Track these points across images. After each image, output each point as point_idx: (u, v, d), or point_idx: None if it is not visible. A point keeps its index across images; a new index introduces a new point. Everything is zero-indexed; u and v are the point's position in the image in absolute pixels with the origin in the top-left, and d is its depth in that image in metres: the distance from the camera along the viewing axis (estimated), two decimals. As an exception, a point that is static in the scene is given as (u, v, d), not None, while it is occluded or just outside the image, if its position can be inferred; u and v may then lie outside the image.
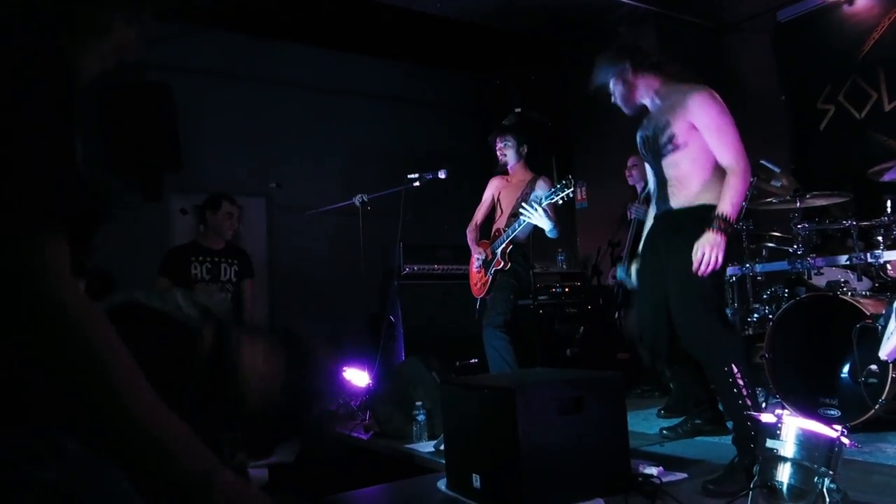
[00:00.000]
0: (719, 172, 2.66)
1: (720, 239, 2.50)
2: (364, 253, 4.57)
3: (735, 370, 2.47)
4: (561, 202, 3.75)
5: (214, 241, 4.34)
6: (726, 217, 2.52)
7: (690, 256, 2.58)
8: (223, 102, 6.16)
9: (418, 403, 3.47)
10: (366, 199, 4.55)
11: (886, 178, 3.40)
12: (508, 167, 4.30)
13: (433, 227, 6.03)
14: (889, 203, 3.50)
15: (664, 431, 3.42)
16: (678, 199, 2.74)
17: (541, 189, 4.04)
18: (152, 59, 5.03)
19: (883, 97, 5.02)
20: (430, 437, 3.39)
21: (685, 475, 2.58)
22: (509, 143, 4.27)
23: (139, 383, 0.77)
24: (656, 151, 2.79)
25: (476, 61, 7.14)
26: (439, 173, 4.42)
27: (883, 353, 2.13)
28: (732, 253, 2.67)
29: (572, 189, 3.69)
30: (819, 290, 3.61)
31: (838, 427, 1.81)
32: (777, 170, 3.98)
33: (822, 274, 3.74)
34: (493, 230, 4.23)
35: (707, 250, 2.49)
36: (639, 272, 3.08)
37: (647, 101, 2.88)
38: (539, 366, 4.90)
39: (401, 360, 4.67)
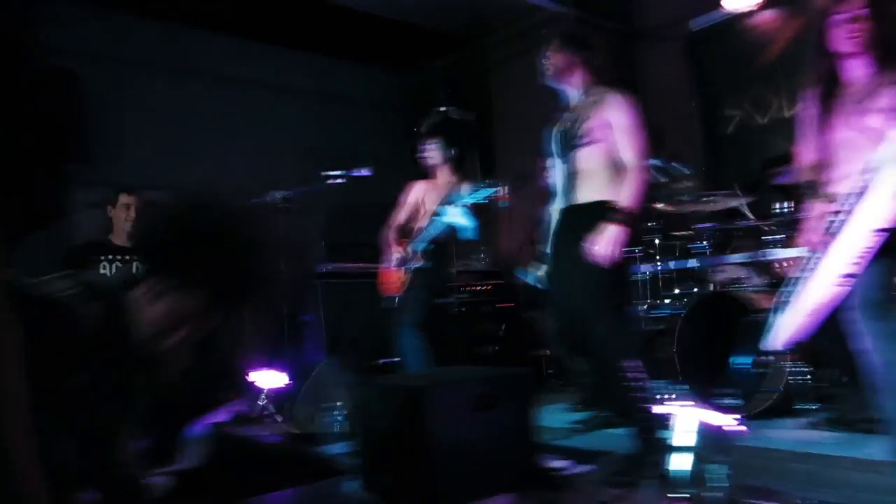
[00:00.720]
0: (621, 171, 2.79)
1: (616, 231, 2.60)
2: (281, 251, 4.48)
3: (630, 365, 2.57)
4: (483, 201, 3.78)
5: (124, 238, 4.17)
6: (624, 211, 2.63)
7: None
8: (139, 94, 5.91)
9: (336, 404, 3.44)
10: (283, 196, 4.46)
11: (780, 180, 3.61)
12: (434, 170, 4.31)
13: (355, 224, 5.98)
14: (783, 204, 3.73)
15: (575, 425, 3.51)
16: (585, 193, 2.84)
17: (462, 190, 4.07)
18: (60, 45, 4.77)
19: (783, 104, 5.33)
20: (348, 438, 3.36)
21: (593, 467, 2.67)
22: (436, 146, 4.27)
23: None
24: (570, 144, 2.87)
25: (400, 58, 7.13)
26: (361, 171, 4.38)
27: (769, 343, 2.26)
28: (640, 250, 2.78)
29: (493, 189, 3.72)
30: (721, 286, 3.79)
31: (731, 416, 1.91)
32: (687, 172, 4.15)
33: (723, 271, 3.93)
34: (415, 229, 4.23)
35: (604, 242, 2.59)
36: (549, 265, 3.14)
37: (573, 93, 2.96)
38: (459, 364, 4.95)
39: (319, 360, 4.61)
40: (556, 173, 3.05)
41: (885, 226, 1.80)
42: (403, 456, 2.33)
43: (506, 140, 6.84)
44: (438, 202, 4.12)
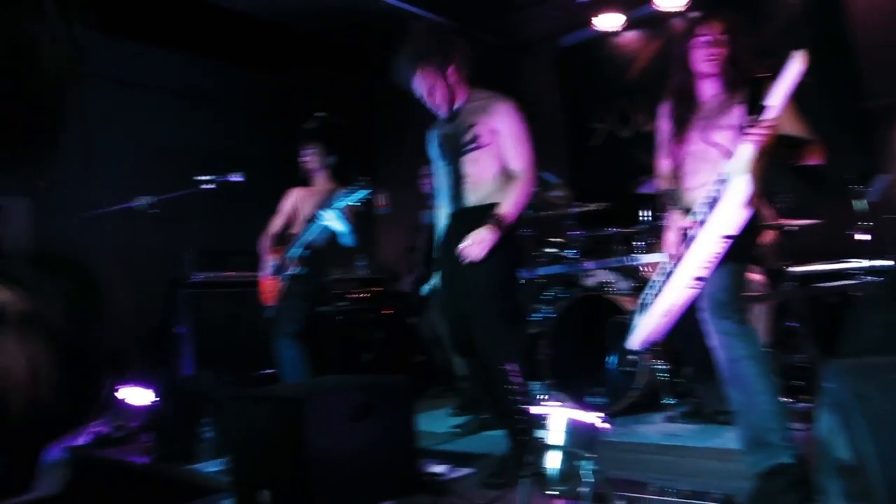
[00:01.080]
0: (507, 177, 2.83)
1: (490, 235, 2.65)
2: (149, 260, 4.24)
3: (513, 368, 2.63)
4: (358, 204, 3.73)
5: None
6: (503, 217, 2.69)
7: (492, 256, 2.72)
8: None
9: (206, 420, 3.28)
10: (150, 202, 4.21)
11: (642, 190, 3.85)
12: (313, 176, 4.22)
13: (228, 232, 5.76)
14: (644, 212, 3.98)
15: (454, 429, 3.55)
16: (474, 196, 2.84)
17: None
18: None
19: (643, 119, 5.69)
20: (220, 456, 3.22)
21: (472, 470, 2.72)
22: (315, 152, 4.18)
23: None
24: (457, 148, 2.89)
25: (278, 61, 6.95)
26: (233, 176, 4.22)
27: (632, 343, 2.39)
28: (520, 256, 2.84)
29: (369, 191, 3.67)
30: (590, 290, 3.98)
31: (598, 414, 2.01)
32: (556, 181, 4.32)
33: (593, 275, 4.13)
34: (290, 236, 4.13)
35: (474, 242, 2.63)
36: (439, 269, 3.13)
37: (458, 92, 2.95)
38: (337, 373, 4.88)
39: (190, 374, 4.40)
40: (440, 178, 3.07)
41: (732, 232, 1.96)
42: (279, 470, 2.27)
43: (386, 147, 6.85)
44: (315, 208, 4.05)
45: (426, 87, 2.88)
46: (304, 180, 4.28)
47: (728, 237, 1.96)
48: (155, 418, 3.76)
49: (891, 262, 3.56)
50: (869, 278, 3.57)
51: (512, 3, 6.50)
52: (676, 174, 2.45)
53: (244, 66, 6.96)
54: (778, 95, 1.93)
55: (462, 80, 2.92)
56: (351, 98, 6.98)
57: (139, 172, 5.62)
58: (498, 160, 2.83)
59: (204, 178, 4.26)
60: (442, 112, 2.92)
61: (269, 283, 4.08)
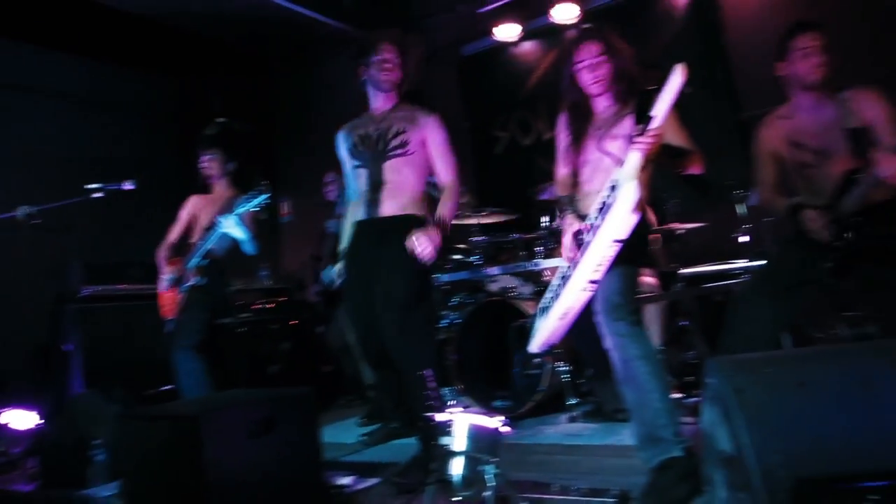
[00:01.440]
0: (422, 192, 2.92)
1: (436, 236, 2.68)
2: (31, 274, 3.97)
3: (429, 375, 2.64)
4: (258, 209, 3.62)
5: None
6: (444, 221, 2.72)
7: (400, 264, 2.72)
8: None
9: (97, 442, 3.10)
10: (31, 212, 3.95)
11: (543, 196, 3.96)
12: (211, 184, 4.09)
13: (121, 243, 5.48)
14: (544, 218, 4.09)
15: (362, 439, 3.52)
16: (390, 206, 2.85)
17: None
18: None
19: (543, 128, 5.86)
20: (112, 479, 3.05)
21: (379, 480, 2.70)
22: (215, 158, 4.05)
23: None
24: (380, 151, 2.87)
25: (175, 65, 6.69)
26: (124, 184, 4.02)
27: (533, 346, 2.45)
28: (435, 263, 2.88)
29: (269, 195, 3.57)
30: (493, 295, 4.05)
31: (499, 418, 2.04)
32: (461, 188, 4.36)
33: (496, 281, 4.21)
34: (188, 246, 3.97)
35: (424, 240, 2.65)
36: (345, 277, 3.10)
37: (379, 98, 2.99)
38: (242, 386, 4.73)
39: (79, 393, 4.15)
40: (353, 179, 3.04)
41: (622, 237, 2.05)
42: (176, 492, 2.17)
43: (288, 154, 6.72)
44: (214, 215, 3.91)
45: (390, 87, 2.96)
46: (203, 187, 4.14)
47: (619, 241, 2.04)
48: (41, 442, 3.52)
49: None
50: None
51: (414, 12, 6.55)
52: (574, 181, 2.54)
53: (140, 70, 6.65)
54: (661, 106, 2.04)
55: (403, 86, 3.00)
56: (252, 104, 6.82)
57: (26, 181, 5.25)
58: (421, 172, 2.87)
59: (93, 186, 4.04)
60: (383, 83, 2.95)
61: (168, 296, 3.92)
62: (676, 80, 2.01)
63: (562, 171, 2.65)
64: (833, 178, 2.46)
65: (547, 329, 2.33)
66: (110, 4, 5.46)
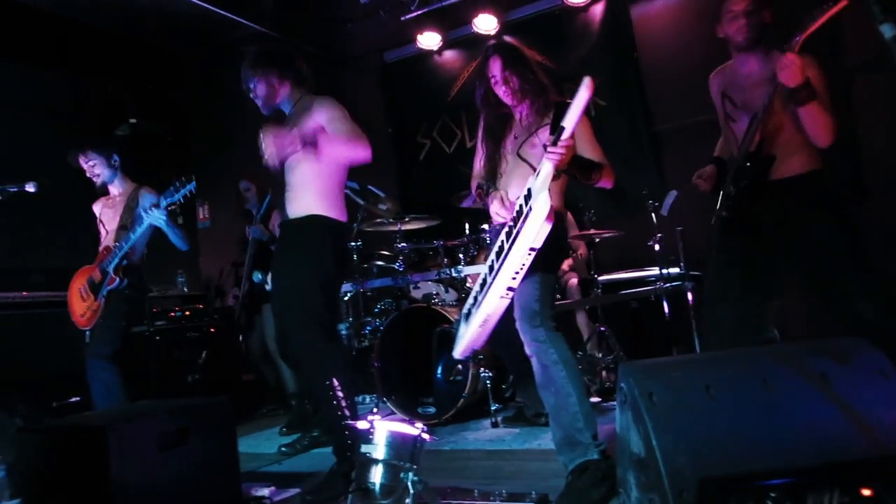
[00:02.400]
0: (338, 186, 2.80)
1: (286, 139, 2.53)
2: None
3: (335, 383, 2.59)
4: (183, 201, 3.46)
5: None
6: (309, 136, 2.56)
7: (297, 269, 2.66)
8: None
9: (-4, 458, 2.92)
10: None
11: (465, 204, 3.99)
12: (107, 185, 3.87)
13: (23, 248, 5.18)
14: (467, 225, 4.13)
15: (283, 449, 3.46)
16: (294, 207, 2.76)
17: (149, 197, 3.73)
18: None
19: (465, 135, 5.92)
20: (14, 496, 2.87)
21: (298, 489, 2.65)
22: (96, 161, 3.78)
23: None
24: (280, 176, 2.81)
25: (83, 64, 6.36)
26: (26, 186, 3.79)
27: (456, 353, 2.46)
28: (334, 270, 2.80)
29: (193, 184, 3.41)
30: (417, 302, 4.06)
31: (420, 425, 2.04)
32: (382, 195, 4.36)
33: (419, 287, 4.22)
34: (101, 249, 3.76)
35: (269, 140, 2.51)
36: (272, 281, 2.99)
37: (285, 107, 2.90)
38: (156, 396, 4.55)
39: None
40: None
41: (538, 245, 2.09)
42: (82, 509, 2.06)
43: (205, 158, 6.52)
44: (120, 216, 3.72)
45: (259, 92, 2.87)
46: (102, 192, 3.92)
47: (534, 249, 2.08)
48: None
49: (677, 269, 3.98)
50: (664, 284, 3.97)
51: (336, 16, 6.50)
52: (492, 190, 2.56)
53: (47, 68, 6.30)
54: (571, 118, 2.09)
55: (293, 88, 2.88)
56: (167, 106, 6.58)
57: None
58: (321, 165, 2.72)
59: (-9, 187, 3.80)
60: (264, 110, 2.91)
61: (82, 305, 3.69)
62: (584, 92, 2.07)
63: (478, 165, 2.68)
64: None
65: (469, 335, 2.35)
66: (14, -1, 5.17)
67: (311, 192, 2.75)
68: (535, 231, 2.04)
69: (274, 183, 2.92)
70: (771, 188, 2.47)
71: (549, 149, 2.10)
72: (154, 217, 3.43)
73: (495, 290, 2.16)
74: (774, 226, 2.47)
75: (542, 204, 2.02)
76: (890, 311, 2.29)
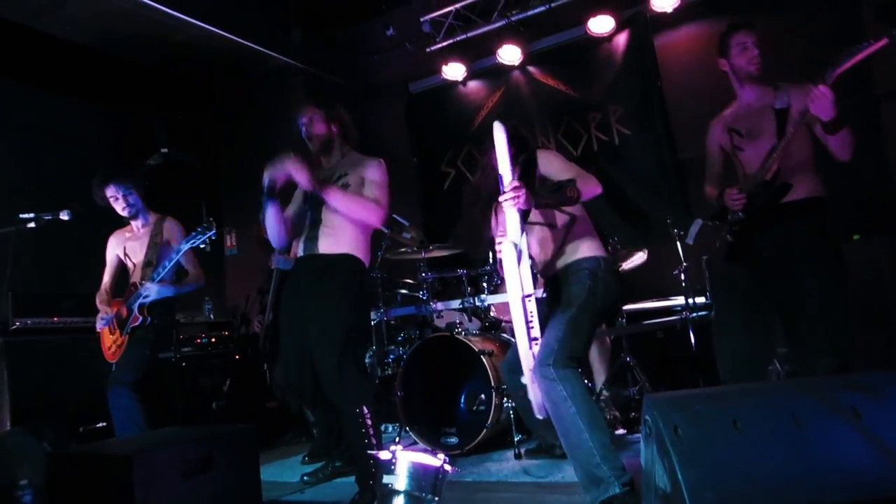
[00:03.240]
0: (366, 232, 2.96)
1: (301, 167, 2.82)
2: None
3: (365, 412, 2.62)
4: (203, 246, 3.52)
5: None
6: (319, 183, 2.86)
7: (335, 302, 2.71)
8: None
9: (23, 482, 2.94)
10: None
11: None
12: (129, 217, 3.91)
13: (56, 274, 5.29)
14: (491, 254, 4.12)
15: (305, 478, 3.44)
16: (329, 244, 2.88)
17: (171, 229, 3.81)
18: None
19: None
20: (39, 522, 2.90)
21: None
22: (127, 192, 3.77)
23: None
24: (317, 216, 2.91)
25: (117, 95, 6.55)
26: (61, 214, 3.89)
27: (539, 415, 2.43)
28: (369, 300, 2.91)
29: (214, 232, 3.48)
30: (440, 330, 4.04)
31: (442, 455, 2.03)
32: (406, 223, 4.39)
33: (442, 316, 4.21)
34: (130, 285, 3.81)
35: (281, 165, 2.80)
36: (283, 313, 3.10)
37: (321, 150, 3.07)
38: (182, 422, 4.58)
39: (4, 431, 3.94)
40: (299, 218, 3.05)
41: (529, 290, 2.13)
42: (105, 536, 2.08)
43: (233, 186, 6.63)
44: (145, 248, 3.78)
45: (321, 129, 3.07)
46: (123, 223, 3.98)
47: (528, 296, 2.13)
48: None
49: (703, 299, 3.93)
50: (690, 314, 3.92)
51: (362, 48, 6.62)
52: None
53: (81, 99, 6.49)
54: (501, 165, 2.17)
55: (341, 138, 3.10)
56: (197, 136, 6.72)
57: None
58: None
59: (27, 216, 3.90)
60: (310, 144, 3.08)
61: (110, 339, 3.75)
62: (499, 135, 2.14)
63: (489, 229, 2.83)
64: (760, 157, 2.54)
65: (534, 395, 2.35)
66: (52, 33, 5.35)
67: (349, 233, 2.91)
68: (514, 279, 2.06)
69: (301, 215, 2.99)
70: (776, 211, 2.49)
71: (499, 199, 2.16)
72: (176, 254, 3.53)
73: (522, 345, 2.17)
74: (770, 261, 2.50)
75: (506, 251, 2.08)
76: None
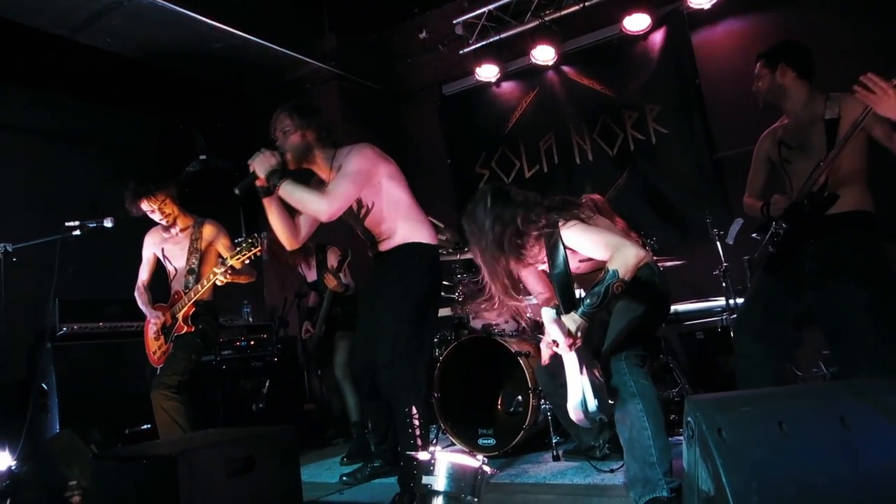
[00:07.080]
0: (410, 210, 2.89)
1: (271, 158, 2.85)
2: (8, 312, 3.90)
3: (414, 412, 2.64)
4: (247, 262, 3.57)
5: None
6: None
7: (397, 297, 2.73)
8: None
9: (72, 483, 3.03)
10: (9, 249, 3.90)
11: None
12: (168, 225, 3.97)
13: (100, 280, 5.43)
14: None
15: (344, 478, 3.47)
16: (385, 244, 2.89)
17: (212, 234, 3.88)
18: None
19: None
20: (88, 521, 2.98)
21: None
22: (165, 199, 3.81)
23: None
24: (356, 216, 2.92)
25: (155, 103, 6.71)
26: (105, 221, 3.98)
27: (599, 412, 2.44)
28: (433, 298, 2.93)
29: (259, 248, 3.51)
30: (476, 332, 4.04)
31: (482, 456, 2.03)
32: (441, 225, 4.39)
33: (479, 317, 4.20)
34: (173, 293, 3.88)
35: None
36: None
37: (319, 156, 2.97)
38: (223, 424, 4.66)
39: (53, 432, 4.06)
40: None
41: (554, 338, 2.20)
42: (152, 535, 2.12)
43: (270, 191, 6.71)
44: (185, 253, 3.84)
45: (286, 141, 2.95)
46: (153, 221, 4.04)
47: (554, 342, 2.21)
48: (14, 483, 3.43)
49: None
50: (731, 315, 3.85)
51: (396, 52, 6.66)
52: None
53: (121, 108, 6.67)
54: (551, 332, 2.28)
55: (320, 142, 2.93)
56: (233, 142, 6.82)
57: (3, 218, 5.22)
58: (380, 202, 2.84)
59: (72, 223, 4.01)
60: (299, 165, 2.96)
61: (154, 344, 3.84)
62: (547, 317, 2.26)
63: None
64: (808, 169, 2.49)
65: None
66: (91, 44, 5.49)
67: (392, 228, 2.86)
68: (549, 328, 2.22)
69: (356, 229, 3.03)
70: (821, 222, 2.44)
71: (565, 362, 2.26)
72: (217, 277, 3.55)
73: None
74: (812, 277, 2.46)
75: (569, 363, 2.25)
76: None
